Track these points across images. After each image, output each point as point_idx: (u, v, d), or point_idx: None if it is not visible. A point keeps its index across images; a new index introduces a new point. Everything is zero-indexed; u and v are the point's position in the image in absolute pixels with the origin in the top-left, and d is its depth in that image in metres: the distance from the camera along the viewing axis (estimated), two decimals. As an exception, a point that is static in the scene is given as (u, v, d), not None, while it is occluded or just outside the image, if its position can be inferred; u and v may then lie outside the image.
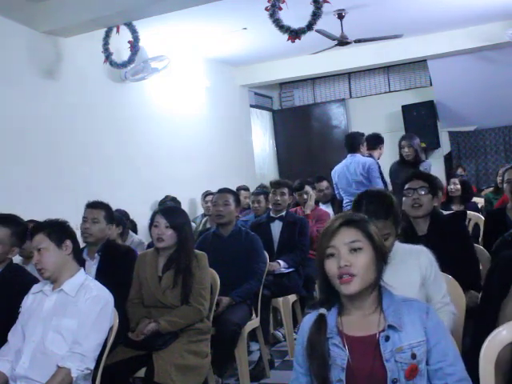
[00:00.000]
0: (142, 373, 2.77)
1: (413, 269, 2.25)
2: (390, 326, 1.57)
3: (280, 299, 4.14)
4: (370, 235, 1.61)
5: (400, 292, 2.11)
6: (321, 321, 1.63)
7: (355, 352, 1.57)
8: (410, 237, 2.81)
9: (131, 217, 4.94)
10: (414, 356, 1.54)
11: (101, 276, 3.12)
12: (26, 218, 3.24)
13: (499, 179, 4.06)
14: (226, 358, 3.31)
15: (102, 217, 3.31)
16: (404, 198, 2.91)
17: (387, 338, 1.56)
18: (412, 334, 1.56)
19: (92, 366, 2.36)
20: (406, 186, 2.94)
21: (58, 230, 2.50)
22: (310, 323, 1.66)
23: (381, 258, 1.62)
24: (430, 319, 1.59)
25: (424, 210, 2.87)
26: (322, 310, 1.64)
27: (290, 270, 4.24)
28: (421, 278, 2.25)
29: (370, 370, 1.54)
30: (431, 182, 2.93)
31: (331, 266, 1.58)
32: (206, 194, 5.87)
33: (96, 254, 3.31)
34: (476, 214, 4.30)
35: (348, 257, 1.57)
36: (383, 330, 1.57)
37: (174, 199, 5.72)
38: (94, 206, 3.37)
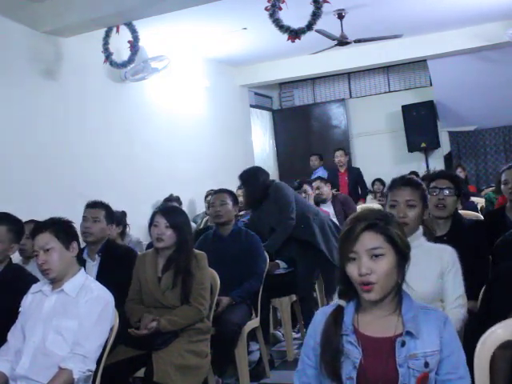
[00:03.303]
0: (141, 373, 2.77)
1: (434, 261, 2.27)
2: (408, 332, 1.55)
3: (280, 299, 4.14)
4: (392, 239, 1.58)
5: (417, 280, 2.14)
6: (338, 313, 1.62)
7: (369, 352, 1.56)
8: (427, 236, 2.79)
9: (131, 217, 4.94)
10: (426, 365, 1.53)
11: (102, 277, 3.12)
12: (24, 218, 3.24)
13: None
14: (225, 357, 3.30)
15: (102, 216, 3.33)
16: (428, 196, 2.89)
17: (403, 344, 1.55)
18: (428, 342, 1.55)
19: (93, 367, 2.35)
20: (432, 185, 2.89)
21: (65, 231, 2.46)
22: (324, 315, 1.64)
23: (403, 259, 1.59)
24: (447, 330, 1.58)
25: (448, 211, 2.83)
26: (341, 302, 1.63)
27: (290, 269, 4.24)
28: (440, 269, 2.26)
29: (382, 372, 1.54)
30: (457, 183, 2.89)
31: (352, 271, 1.57)
32: (208, 194, 5.83)
33: (96, 255, 3.31)
34: (475, 213, 4.29)
35: (369, 263, 1.55)
36: (400, 335, 1.56)
37: (178, 199, 5.72)
38: (94, 205, 3.39)
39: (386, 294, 1.57)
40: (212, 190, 5.79)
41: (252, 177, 4.22)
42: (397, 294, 1.61)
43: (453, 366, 1.56)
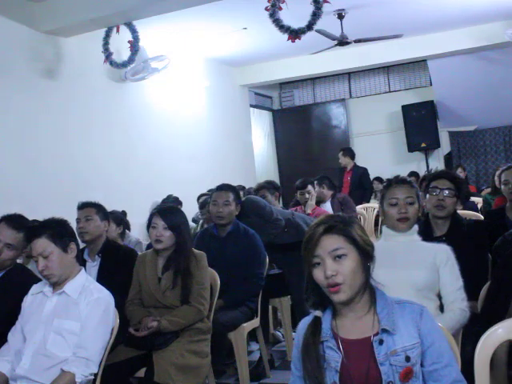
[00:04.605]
0: (142, 373, 2.77)
1: (427, 255, 2.34)
2: (384, 330, 1.56)
3: (280, 299, 4.14)
4: (352, 239, 1.59)
5: (408, 268, 2.25)
6: (316, 324, 1.63)
7: (350, 355, 1.57)
8: (426, 235, 2.80)
9: (130, 217, 4.94)
10: (408, 359, 1.54)
11: (102, 277, 3.12)
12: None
13: (496, 179, 4.05)
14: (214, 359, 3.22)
15: (93, 214, 3.33)
16: (428, 196, 2.87)
17: (381, 342, 1.56)
18: (406, 336, 1.56)
19: (96, 370, 2.34)
20: (432, 184, 2.88)
21: (60, 233, 2.43)
22: (305, 326, 1.65)
23: (367, 258, 1.61)
24: (424, 321, 1.59)
25: (446, 211, 2.83)
26: (318, 313, 1.64)
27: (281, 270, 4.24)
28: (433, 263, 2.32)
29: (365, 373, 1.55)
30: (458, 184, 2.88)
31: (318, 275, 1.58)
32: (200, 196, 5.58)
33: (97, 256, 3.31)
34: (475, 213, 4.29)
35: (333, 265, 1.56)
36: (377, 334, 1.57)
37: (176, 199, 5.70)
38: (82, 206, 3.41)
39: (354, 294, 1.58)
40: (206, 193, 5.70)
41: None
42: (365, 292, 1.62)
43: (436, 356, 1.57)
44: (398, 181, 2.51)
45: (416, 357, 1.55)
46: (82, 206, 3.40)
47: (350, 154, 7.66)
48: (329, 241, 1.58)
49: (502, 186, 3.50)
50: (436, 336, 1.59)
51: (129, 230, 4.92)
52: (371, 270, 1.62)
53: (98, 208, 3.38)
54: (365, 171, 7.59)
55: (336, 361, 1.57)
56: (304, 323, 1.67)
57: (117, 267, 3.18)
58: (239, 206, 3.69)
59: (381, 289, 1.65)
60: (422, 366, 1.57)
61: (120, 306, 2.61)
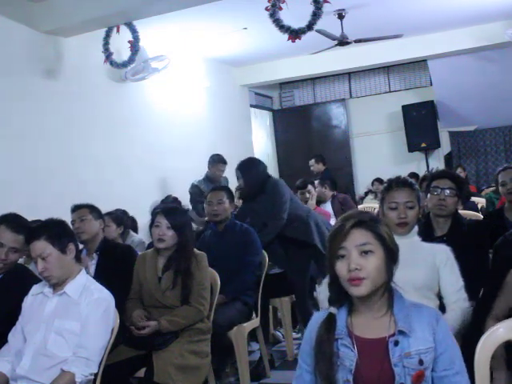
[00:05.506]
0: (142, 373, 2.76)
1: (427, 255, 2.34)
2: (400, 331, 1.56)
3: (280, 299, 4.14)
4: (381, 237, 1.58)
5: (407, 267, 2.21)
6: (330, 320, 1.61)
7: (364, 354, 1.56)
8: (427, 235, 2.80)
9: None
10: (421, 362, 1.53)
11: (100, 275, 3.12)
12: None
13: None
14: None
15: (87, 214, 3.35)
16: (429, 195, 2.87)
17: (396, 343, 1.55)
18: (421, 340, 1.55)
19: (96, 369, 2.35)
20: (434, 184, 2.89)
21: (58, 234, 2.43)
22: (318, 321, 1.64)
23: (392, 258, 1.60)
24: (440, 326, 1.58)
25: (448, 211, 2.83)
26: (333, 310, 1.63)
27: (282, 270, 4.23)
28: (433, 263, 2.32)
29: (378, 373, 1.54)
30: (459, 184, 2.89)
31: (341, 268, 1.57)
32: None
33: (94, 254, 3.31)
34: (476, 213, 4.29)
35: (358, 260, 1.55)
36: (393, 335, 1.56)
37: (175, 199, 5.71)
38: (76, 208, 3.44)
39: (374, 290, 1.57)
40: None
41: (254, 167, 4.12)
42: (385, 293, 1.61)
43: (448, 362, 1.56)
44: (398, 183, 2.47)
45: (429, 361, 1.55)
46: (75, 208, 3.44)
47: (322, 160, 7.54)
48: (357, 235, 1.57)
49: (500, 187, 3.49)
50: (449, 342, 1.59)
51: (136, 231, 4.93)
52: (394, 271, 1.61)
53: (90, 208, 3.41)
54: (327, 174, 7.30)
55: (351, 359, 1.56)
56: (317, 319, 1.66)
57: (115, 264, 3.19)
58: (233, 203, 3.85)
59: (399, 291, 1.64)
60: (432, 370, 1.56)
61: (118, 303, 2.61)
